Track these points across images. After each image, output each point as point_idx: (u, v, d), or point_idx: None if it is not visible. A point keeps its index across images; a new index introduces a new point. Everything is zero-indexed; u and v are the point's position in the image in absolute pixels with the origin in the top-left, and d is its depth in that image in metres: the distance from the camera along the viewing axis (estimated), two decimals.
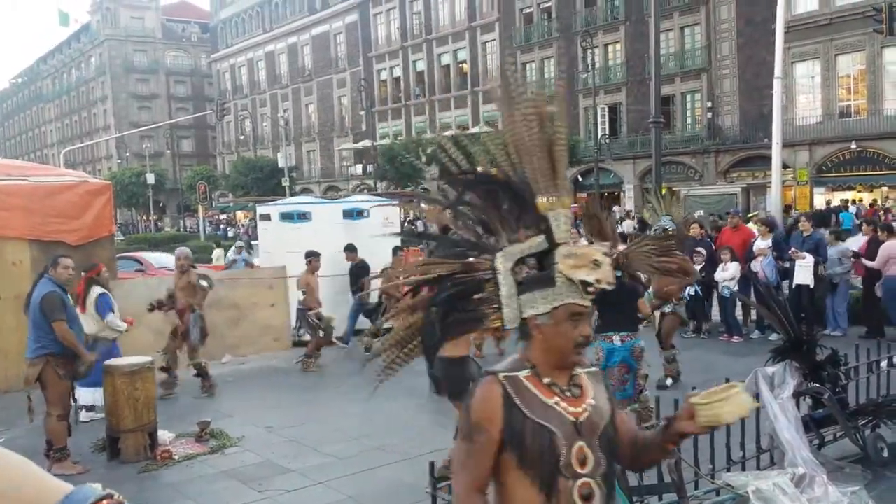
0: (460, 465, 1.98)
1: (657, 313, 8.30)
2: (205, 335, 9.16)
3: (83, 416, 7.83)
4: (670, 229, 7.45)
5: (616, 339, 6.13)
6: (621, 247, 5.49)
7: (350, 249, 11.74)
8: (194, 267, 9.66)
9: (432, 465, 4.10)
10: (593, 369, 2.13)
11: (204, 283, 9.25)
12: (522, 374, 1.97)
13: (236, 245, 18.66)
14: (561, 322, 1.94)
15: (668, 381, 8.34)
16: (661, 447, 2.13)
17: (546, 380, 1.97)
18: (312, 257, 10.73)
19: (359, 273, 11.54)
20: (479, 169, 2.10)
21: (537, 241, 2.00)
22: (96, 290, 7.89)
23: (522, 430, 1.90)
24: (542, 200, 2.01)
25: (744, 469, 4.89)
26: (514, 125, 2.05)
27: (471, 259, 2.05)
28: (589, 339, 1.98)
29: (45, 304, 6.23)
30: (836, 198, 29.72)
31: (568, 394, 1.98)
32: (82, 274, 7.82)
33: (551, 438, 1.90)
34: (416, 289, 2.09)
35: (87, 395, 7.76)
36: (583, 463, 1.93)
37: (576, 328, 1.95)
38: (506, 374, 1.97)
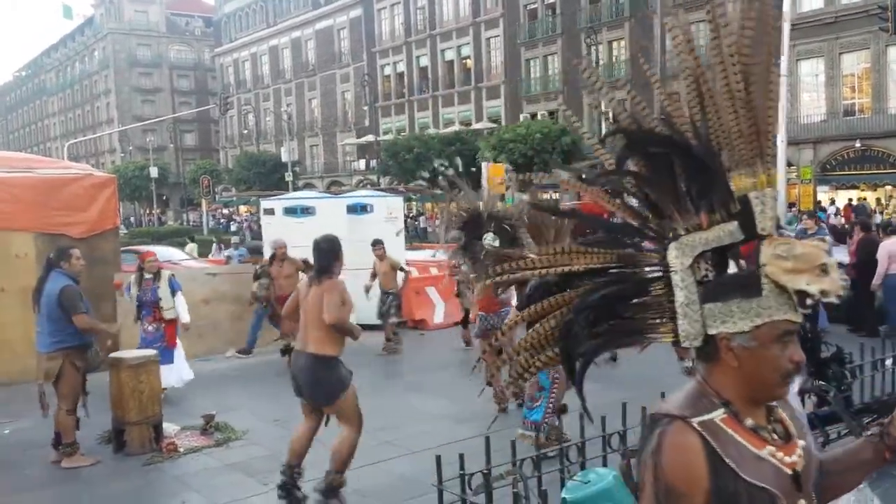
0: None
1: None
2: None
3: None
4: None
5: None
6: None
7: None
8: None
9: (439, 458, 4.11)
10: None
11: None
12: (717, 416, 1.47)
13: (233, 240, 18.68)
14: (767, 345, 1.45)
15: None
16: (872, 463, 1.63)
17: (748, 422, 1.49)
18: (377, 245, 10.92)
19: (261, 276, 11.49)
20: (654, 127, 1.59)
21: (728, 230, 1.51)
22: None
23: (736, 495, 1.43)
24: (740, 175, 1.52)
25: None
26: (698, 66, 1.52)
27: (630, 250, 1.58)
28: (800, 367, 1.49)
29: (63, 297, 6.15)
30: (840, 196, 29.69)
31: (776, 436, 1.52)
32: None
33: (773, 502, 1.46)
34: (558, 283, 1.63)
35: (168, 375, 7.92)
36: None
37: (784, 352, 1.46)
38: (698, 419, 1.46)
